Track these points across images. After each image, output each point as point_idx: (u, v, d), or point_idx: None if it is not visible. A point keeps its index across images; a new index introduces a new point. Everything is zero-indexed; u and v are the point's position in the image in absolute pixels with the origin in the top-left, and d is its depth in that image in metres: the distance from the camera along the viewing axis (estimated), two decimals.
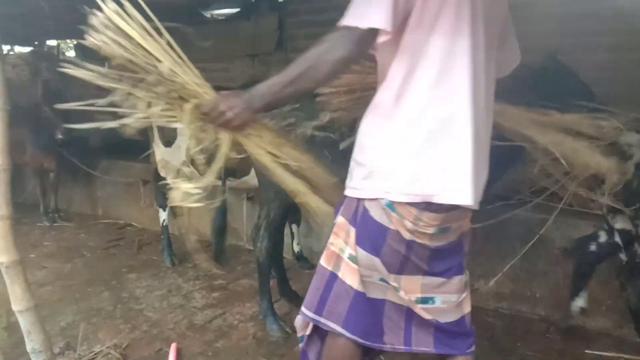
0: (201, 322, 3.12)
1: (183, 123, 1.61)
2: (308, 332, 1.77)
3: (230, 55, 5.18)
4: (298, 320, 1.78)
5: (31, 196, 6.09)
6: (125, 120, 1.59)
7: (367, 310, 1.65)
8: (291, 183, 1.76)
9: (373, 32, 1.40)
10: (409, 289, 1.63)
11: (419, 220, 1.53)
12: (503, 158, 3.05)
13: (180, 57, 1.61)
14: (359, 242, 1.60)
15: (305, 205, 1.78)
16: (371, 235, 1.58)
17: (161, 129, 3.84)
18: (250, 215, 4.23)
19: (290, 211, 3.09)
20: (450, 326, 1.68)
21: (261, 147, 1.71)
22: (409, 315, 1.67)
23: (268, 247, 2.98)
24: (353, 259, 1.61)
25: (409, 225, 1.54)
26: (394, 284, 1.62)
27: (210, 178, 1.64)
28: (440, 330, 1.68)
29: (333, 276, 1.65)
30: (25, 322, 2.21)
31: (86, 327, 2.99)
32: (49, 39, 6.86)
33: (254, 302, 3.34)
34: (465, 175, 1.48)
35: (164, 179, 3.82)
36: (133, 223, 5.14)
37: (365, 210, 1.58)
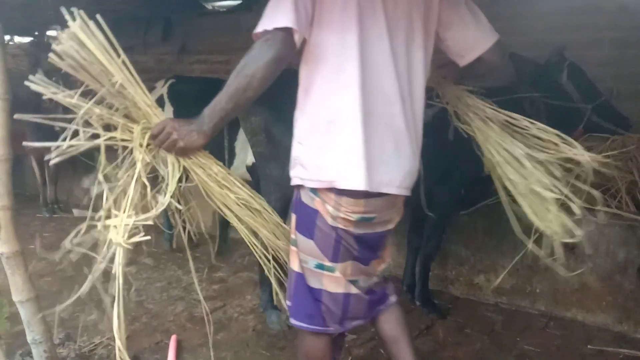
0: (201, 315, 3.11)
1: (134, 145, 1.59)
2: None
3: (231, 47, 5.14)
4: None
5: (30, 187, 6.09)
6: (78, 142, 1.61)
7: (308, 293, 1.74)
8: (232, 216, 1.85)
9: (289, 32, 1.50)
10: (343, 272, 1.74)
11: (339, 205, 1.64)
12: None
13: (133, 76, 1.59)
14: (298, 226, 1.74)
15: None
16: (305, 219, 1.71)
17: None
18: None
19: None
20: (375, 293, 1.85)
21: (208, 176, 1.74)
22: (346, 301, 1.76)
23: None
24: (294, 242, 1.76)
25: (330, 210, 1.65)
26: (330, 265, 1.71)
27: (159, 209, 1.66)
28: (370, 300, 1.83)
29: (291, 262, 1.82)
30: (25, 313, 2.21)
31: (86, 318, 2.99)
32: (49, 29, 6.82)
33: (254, 294, 3.34)
34: (357, 162, 1.59)
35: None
36: None
37: (299, 197, 1.73)
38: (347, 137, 1.59)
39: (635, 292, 2.92)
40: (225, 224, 3.24)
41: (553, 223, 1.95)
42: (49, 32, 6.92)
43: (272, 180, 2.90)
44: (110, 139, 1.60)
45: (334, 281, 1.73)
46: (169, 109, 3.79)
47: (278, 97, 2.85)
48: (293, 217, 1.77)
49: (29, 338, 2.24)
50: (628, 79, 3.34)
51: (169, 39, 5.72)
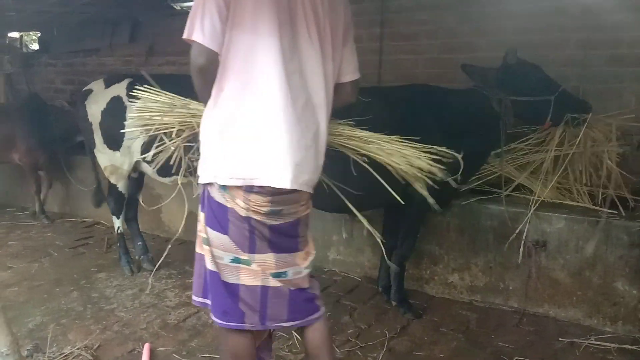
0: (175, 322, 3.06)
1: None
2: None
3: None
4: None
5: None
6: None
7: (223, 290, 1.77)
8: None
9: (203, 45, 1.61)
10: (264, 266, 1.78)
11: (249, 200, 1.71)
12: (479, 152, 3.10)
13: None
14: (208, 223, 1.78)
15: None
16: (217, 215, 1.75)
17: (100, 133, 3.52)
18: None
19: None
20: (301, 293, 1.87)
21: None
22: (264, 294, 1.80)
23: None
24: (206, 241, 1.79)
25: (241, 204, 1.72)
26: (246, 258, 1.76)
27: None
28: (293, 299, 1.85)
29: (203, 259, 1.83)
30: None
31: (55, 328, 2.90)
32: (11, 31, 6.62)
33: None
34: (281, 162, 1.66)
35: (115, 185, 3.62)
36: (102, 221, 5.01)
37: (208, 194, 1.77)
38: (254, 137, 1.66)
39: (603, 287, 2.99)
40: None
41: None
42: (11, 34, 6.72)
43: None
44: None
45: (251, 274, 1.78)
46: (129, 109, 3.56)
47: None
48: (202, 215, 1.81)
49: None
50: (593, 79, 3.42)
51: (137, 40, 5.61)
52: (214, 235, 1.76)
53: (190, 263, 3.84)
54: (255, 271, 1.77)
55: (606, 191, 3.09)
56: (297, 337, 2.79)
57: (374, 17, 4.13)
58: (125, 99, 3.34)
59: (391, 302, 3.25)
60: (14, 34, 6.77)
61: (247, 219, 1.73)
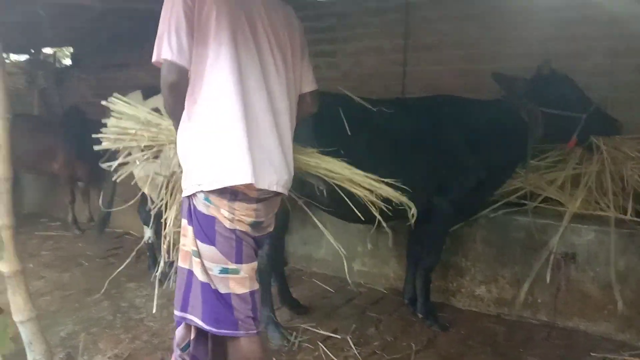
0: None
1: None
2: (193, 336, 1.92)
3: None
4: (178, 331, 1.94)
5: (28, 205, 6.07)
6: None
7: (215, 300, 1.81)
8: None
9: (173, 62, 1.71)
10: (251, 273, 1.86)
11: (233, 209, 1.78)
12: (506, 164, 3.08)
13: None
14: (197, 236, 1.81)
15: None
16: (204, 228, 1.79)
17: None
18: None
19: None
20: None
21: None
22: (253, 300, 1.86)
23: (269, 253, 2.97)
24: (195, 253, 1.81)
25: (226, 214, 1.78)
26: (234, 267, 1.81)
27: None
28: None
29: (190, 273, 1.84)
30: (26, 333, 2.19)
31: (86, 337, 2.97)
32: (45, 46, 6.84)
33: None
34: (243, 161, 1.73)
35: (149, 195, 3.67)
36: (131, 231, 5.11)
37: (194, 206, 1.81)
38: (233, 141, 1.74)
39: (636, 301, 2.93)
40: None
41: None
42: (45, 50, 6.95)
43: None
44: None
45: (240, 282, 1.83)
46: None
47: (323, 129, 2.85)
48: (190, 228, 1.83)
49: (29, 358, 2.22)
50: (622, 88, 3.37)
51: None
52: (203, 247, 1.80)
53: None
54: (243, 278, 1.83)
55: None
56: (323, 348, 2.80)
57: (397, 29, 4.15)
58: (164, 110, 3.42)
59: (417, 314, 3.23)
60: (48, 50, 7.00)
61: (233, 230, 1.80)
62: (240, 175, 1.73)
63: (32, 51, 6.71)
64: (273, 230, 2.88)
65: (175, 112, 1.84)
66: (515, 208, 3.28)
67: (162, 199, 2.30)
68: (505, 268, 3.29)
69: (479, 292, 3.39)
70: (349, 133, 2.83)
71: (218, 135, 1.75)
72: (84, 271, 4.15)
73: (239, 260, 1.81)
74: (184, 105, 1.80)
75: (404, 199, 2.45)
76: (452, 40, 3.95)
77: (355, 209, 2.44)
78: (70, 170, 5.06)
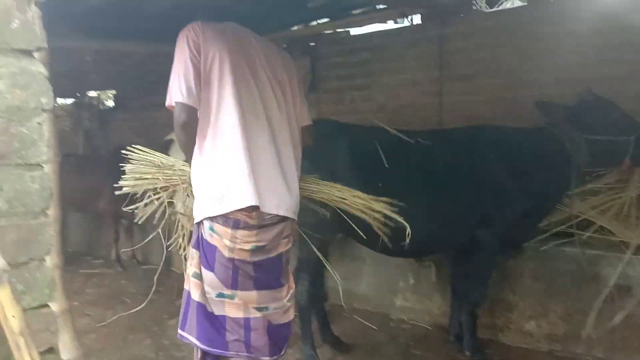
0: None
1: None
2: (199, 355, 2.07)
3: None
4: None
5: (73, 244, 6.24)
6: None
7: (209, 321, 1.98)
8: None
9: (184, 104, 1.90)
10: (247, 300, 2.01)
11: (235, 237, 1.93)
12: (550, 193, 2.99)
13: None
14: (202, 262, 1.98)
15: None
16: (207, 254, 1.97)
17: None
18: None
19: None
20: (280, 328, 2.10)
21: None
22: (247, 326, 2.01)
23: (309, 289, 2.93)
24: (197, 276, 1.98)
25: (228, 243, 1.93)
26: (229, 293, 1.98)
27: None
28: (272, 334, 2.06)
29: (188, 294, 2.01)
30: None
31: None
32: (90, 90, 7.16)
33: (296, 347, 3.26)
34: (245, 188, 1.90)
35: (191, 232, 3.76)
36: (173, 268, 5.16)
37: (202, 234, 1.98)
38: (236, 171, 1.91)
39: None
40: None
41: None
42: (90, 93, 7.27)
43: (310, 228, 2.88)
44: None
45: (235, 307, 2.00)
46: None
47: (313, 146, 2.89)
48: (196, 253, 2.00)
49: None
50: None
51: None
52: (205, 272, 1.98)
53: None
54: (238, 304, 2.00)
55: None
56: None
57: (432, 61, 4.16)
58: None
59: (464, 351, 3.11)
60: (93, 93, 7.32)
61: (232, 260, 1.96)
62: (244, 200, 1.89)
63: (78, 95, 7.04)
64: (312, 263, 2.89)
65: (187, 148, 2.01)
66: (565, 239, 3.15)
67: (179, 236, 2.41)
68: (556, 302, 3.15)
69: (529, 327, 3.25)
70: (387, 166, 2.82)
71: (223, 166, 1.93)
72: (127, 308, 4.18)
73: (234, 287, 1.98)
74: (194, 142, 1.98)
75: (401, 220, 2.43)
76: (489, 69, 3.92)
77: (358, 229, 2.48)
78: (115, 208, 5.19)
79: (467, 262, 3.04)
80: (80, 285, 4.87)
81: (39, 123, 1.28)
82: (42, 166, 1.30)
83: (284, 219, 2.03)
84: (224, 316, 1.99)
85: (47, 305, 1.34)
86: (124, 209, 2.47)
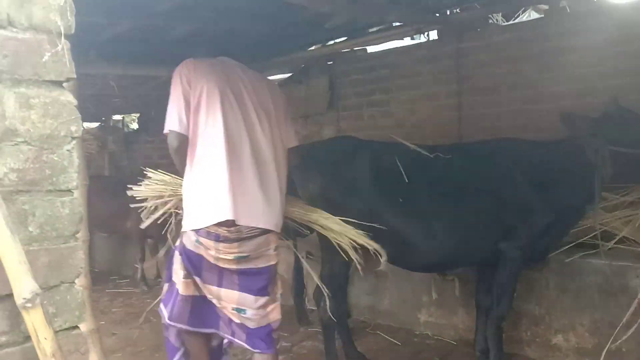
0: None
1: None
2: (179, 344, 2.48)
3: None
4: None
5: (99, 263, 6.35)
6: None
7: (188, 307, 2.33)
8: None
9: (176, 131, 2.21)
10: (227, 299, 2.28)
11: (218, 249, 2.19)
12: (573, 206, 2.95)
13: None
14: (184, 261, 2.28)
15: None
16: (193, 262, 2.27)
17: None
18: (310, 273, 4.21)
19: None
20: (257, 331, 2.32)
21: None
22: (224, 319, 2.35)
23: (332, 306, 2.94)
24: (187, 276, 2.30)
25: (212, 253, 2.21)
26: (210, 294, 2.30)
27: None
28: (250, 332, 2.32)
29: (177, 291, 2.32)
30: None
31: None
32: (115, 114, 7.34)
33: None
34: (223, 203, 2.13)
35: None
36: None
37: (184, 244, 2.28)
38: (217, 187, 2.15)
39: None
40: (300, 293, 3.21)
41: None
42: (114, 117, 7.45)
43: (332, 245, 2.91)
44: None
45: (215, 304, 2.32)
46: None
47: (334, 164, 2.93)
48: (179, 257, 2.30)
49: None
50: None
51: None
52: (189, 272, 2.29)
53: (282, 327, 3.89)
54: (219, 303, 2.30)
55: None
56: None
57: (451, 75, 4.17)
58: None
59: None
60: (117, 117, 7.50)
61: (216, 265, 2.24)
62: (220, 214, 2.13)
63: (103, 118, 7.22)
64: (335, 279, 2.90)
65: (181, 167, 2.29)
66: (591, 250, 3.10)
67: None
68: (583, 315, 3.10)
69: (556, 341, 3.20)
70: (407, 181, 2.83)
71: (206, 183, 2.18)
72: (152, 327, 4.24)
73: (220, 284, 2.27)
74: (186, 162, 2.25)
75: (376, 246, 2.63)
76: (508, 82, 3.92)
77: (337, 246, 2.67)
78: (140, 230, 5.28)
79: (491, 276, 3.02)
80: (106, 304, 4.94)
81: (68, 150, 1.33)
82: (72, 192, 1.35)
83: (265, 231, 2.25)
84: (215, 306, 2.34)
85: (77, 327, 1.37)
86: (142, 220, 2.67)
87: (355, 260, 2.63)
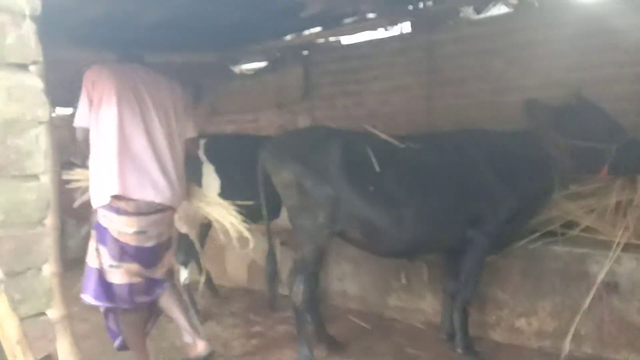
0: None
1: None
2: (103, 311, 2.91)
3: (259, 106, 5.36)
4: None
5: (72, 251, 6.28)
6: None
7: (105, 283, 2.71)
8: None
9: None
10: (130, 271, 2.72)
11: (120, 222, 2.62)
12: (537, 195, 3.04)
13: None
14: (99, 239, 2.70)
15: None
16: (102, 234, 2.68)
17: None
18: (283, 260, 4.26)
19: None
20: (155, 282, 2.85)
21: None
22: (130, 288, 2.74)
23: (304, 291, 2.99)
24: (96, 249, 2.70)
25: (115, 226, 2.63)
26: (116, 264, 2.68)
27: None
28: (149, 286, 2.83)
29: (88, 264, 2.76)
30: None
31: None
32: None
33: (292, 348, 3.33)
34: (114, 180, 2.58)
35: (186, 236, 3.91)
36: None
37: (97, 219, 2.69)
38: (109, 168, 2.58)
39: None
40: (272, 279, 3.24)
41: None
42: None
43: (305, 231, 2.96)
44: None
45: (120, 275, 2.70)
46: (209, 168, 3.93)
47: (307, 152, 2.97)
48: (94, 233, 2.72)
49: None
50: None
51: (200, 102, 5.98)
52: (101, 247, 2.69)
53: (255, 312, 3.94)
54: (122, 273, 2.70)
55: None
56: None
57: (422, 66, 4.24)
58: (203, 157, 3.89)
59: (456, 349, 3.17)
60: None
61: (118, 240, 2.65)
62: (112, 189, 2.56)
63: (76, 105, 7.07)
64: (307, 265, 2.96)
65: (86, 155, 2.70)
66: (553, 238, 3.22)
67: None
68: (545, 299, 3.22)
69: (519, 324, 3.32)
70: (378, 169, 2.89)
71: (102, 166, 2.61)
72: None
73: (121, 260, 2.68)
74: (90, 149, 2.66)
75: (246, 233, 3.03)
76: (477, 74, 4.00)
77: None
78: None
79: (458, 261, 3.11)
80: (80, 291, 4.90)
81: (35, 135, 1.32)
82: (38, 177, 1.34)
83: (163, 208, 2.73)
84: (112, 283, 2.71)
85: (44, 314, 1.36)
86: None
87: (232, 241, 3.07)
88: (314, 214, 2.91)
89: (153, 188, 2.66)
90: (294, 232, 3.09)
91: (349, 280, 4.09)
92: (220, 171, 3.88)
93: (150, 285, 2.83)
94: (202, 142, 3.92)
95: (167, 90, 2.85)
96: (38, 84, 1.33)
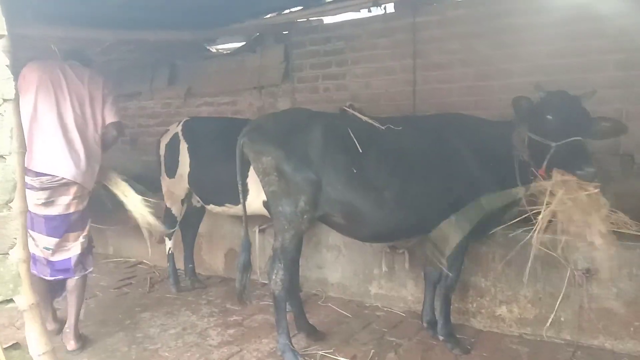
0: None
1: None
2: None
3: (237, 88, 5.21)
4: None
5: None
6: None
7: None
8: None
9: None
10: (39, 241, 3.06)
11: (31, 197, 2.81)
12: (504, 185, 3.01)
13: None
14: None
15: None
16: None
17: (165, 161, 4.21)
18: (262, 247, 4.19)
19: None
20: (59, 264, 3.16)
21: None
22: (33, 259, 2.95)
23: (284, 279, 2.93)
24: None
25: (31, 201, 2.69)
26: (30, 232, 2.91)
27: None
28: (52, 265, 3.14)
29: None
30: None
31: None
32: None
33: (271, 337, 3.27)
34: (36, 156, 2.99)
35: (170, 209, 4.22)
36: (144, 261, 5.10)
37: None
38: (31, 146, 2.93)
39: None
40: (245, 268, 3.16)
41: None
42: None
43: (285, 217, 2.88)
44: None
45: (32, 244, 2.97)
46: (184, 146, 4.03)
47: (287, 136, 2.89)
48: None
49: None
50: (636, 100, 3.34)
51: (176, 83, 5.79)
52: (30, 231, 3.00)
53: (232, 301, 3.86)
54: (32, 242, 2.99)
55: None
56: None
57: (406, 49, 4.16)
58: (180, 135, 4.07)
59: (437, 337, 3.16)
60: None
61: (30, 212, 2.70)
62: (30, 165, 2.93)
63: None
64: (287, 253, 2.89)
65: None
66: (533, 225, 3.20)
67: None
68: (526, 287, 3.22)
69: (500, 312, 3.32)
70: (360, 152, 2.83)
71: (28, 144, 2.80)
72: (98, 302, 4.13)
73: (31, 228, 2.97)
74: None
75: (159, 226, 3.58)
76: (461, 58, 3.95)
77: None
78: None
79: None
80: None
81: (0, 114, 1.23)
82: (4, 158, 1.25)
83: (67, 183, 3.03)
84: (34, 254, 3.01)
85: (11, 300, 1.29)
86: None
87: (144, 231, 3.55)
88: (295, 200, 2.84)
89: (59, 165, 3.01)
90: (273, 218, 3.01)
91: (329, 268, 4.04)
92: (192, 150, 3.98)
93: (54, 265, 3.13)
94: (182, 121, 4.18)
95: (85, 82, 3.24)
96: (3, 59, 1.23)
